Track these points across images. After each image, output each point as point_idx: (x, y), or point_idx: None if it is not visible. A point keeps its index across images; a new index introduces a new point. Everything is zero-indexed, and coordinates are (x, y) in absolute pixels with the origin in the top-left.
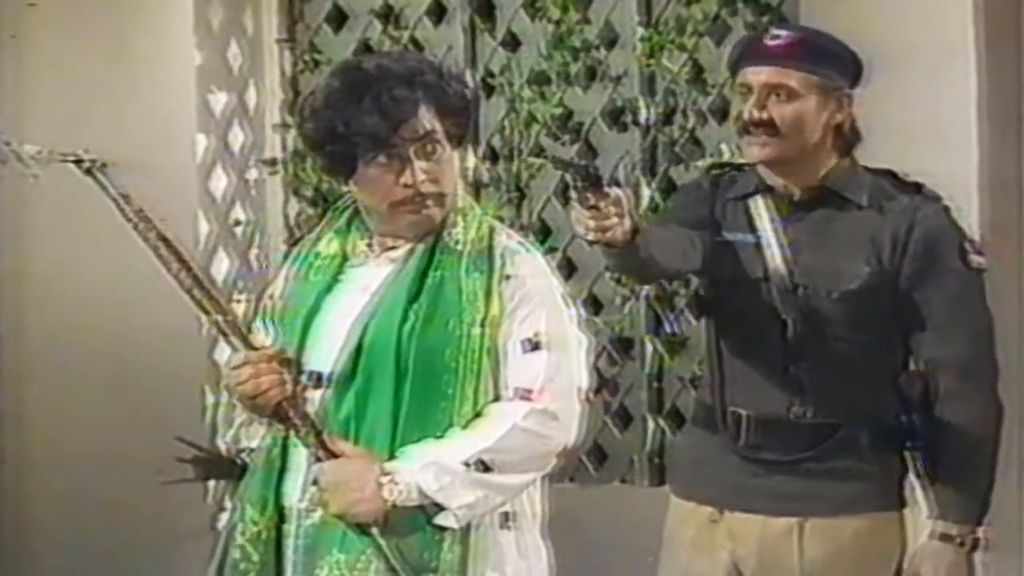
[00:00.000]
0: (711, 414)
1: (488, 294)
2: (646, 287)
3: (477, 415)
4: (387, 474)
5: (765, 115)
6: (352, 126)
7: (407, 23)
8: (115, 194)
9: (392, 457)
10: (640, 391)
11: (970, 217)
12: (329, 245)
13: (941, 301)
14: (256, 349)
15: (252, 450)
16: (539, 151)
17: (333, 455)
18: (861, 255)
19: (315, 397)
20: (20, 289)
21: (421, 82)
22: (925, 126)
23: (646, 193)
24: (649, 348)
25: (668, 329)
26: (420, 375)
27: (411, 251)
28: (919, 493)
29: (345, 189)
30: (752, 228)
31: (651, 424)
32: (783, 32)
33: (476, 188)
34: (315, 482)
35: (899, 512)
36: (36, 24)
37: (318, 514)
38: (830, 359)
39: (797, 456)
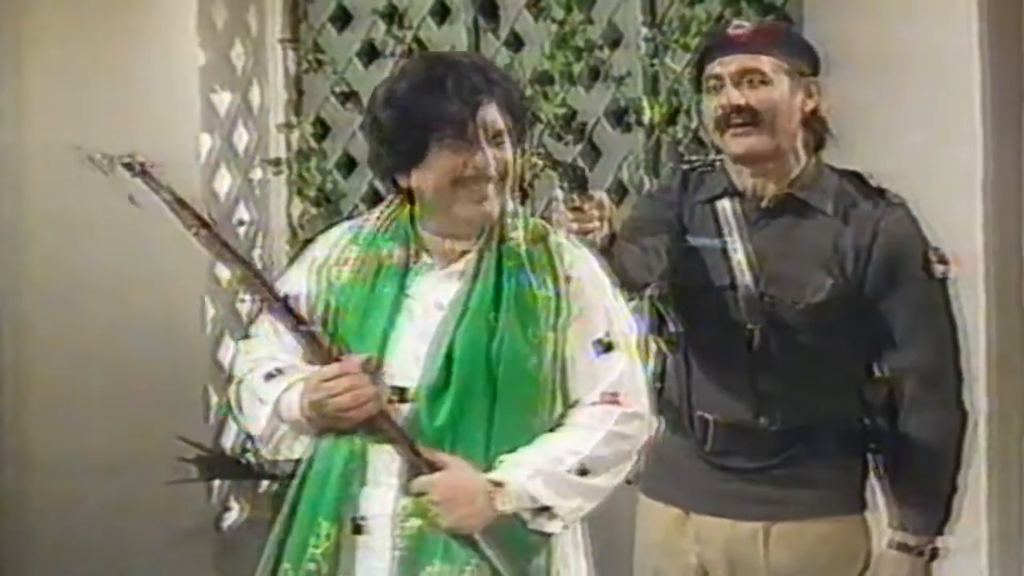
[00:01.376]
0: (679, 417)
1: (557, 296)
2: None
3: (562, 421)
4: (498, 484)
5: (743, 100)
6: (433, 111)
7: (411, 23)
8: (169, 198)
9: (489, 467)
10: None
11: (974, 215)
12: (392, 253)
13: (905, 310)
14: (336, 360)
15: (296, 461)
16: (543, 151)
17: (433, 467)
18: (824, 266)
19: (400, 412)
20: (21, 289)
21: (490, 78)
22: (929, 125)
23: None
24: (652, 347)
25: (671, 329)
26: (509, 385)
27: (480, 259)
28: (880, 497)
29: (391, 199)
30: (719, 233)
31: (654, 423)
32: (745, 23)
33: None
34: (419, 494)
35: (862, 516)
36: (39, 24)
37: (411, 524)
38: (796, 367)
39: (763, 463)
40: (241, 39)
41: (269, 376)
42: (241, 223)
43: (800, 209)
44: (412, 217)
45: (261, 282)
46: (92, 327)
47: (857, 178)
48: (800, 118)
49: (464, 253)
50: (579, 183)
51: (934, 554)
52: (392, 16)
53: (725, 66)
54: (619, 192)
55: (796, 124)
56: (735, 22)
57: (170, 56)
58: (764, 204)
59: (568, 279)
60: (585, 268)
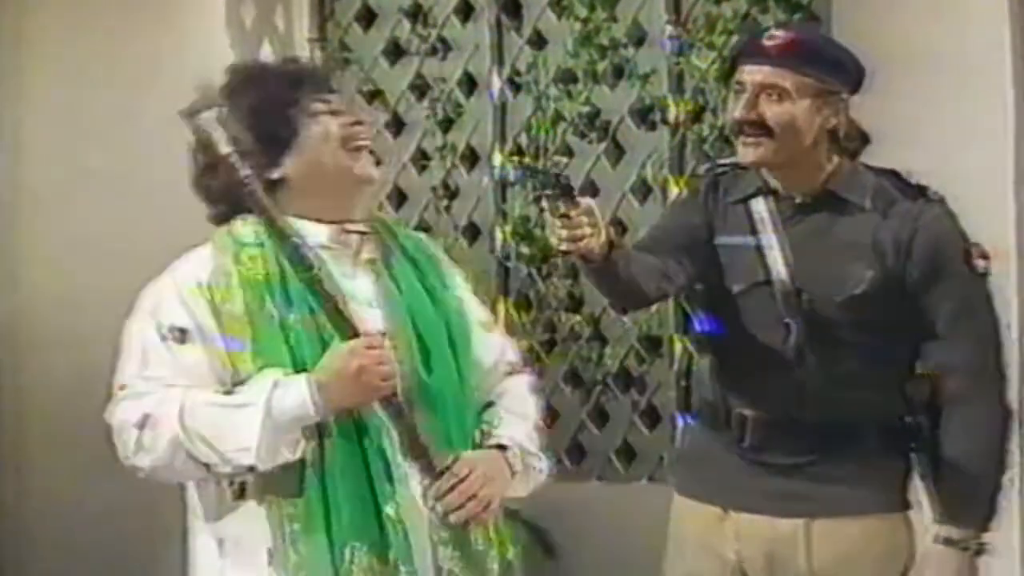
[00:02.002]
0: (715, 413)
1: (444, 283)
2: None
3: (502, 394)
4: (502, 448)
5: (753, 115)
6: (290, 84)
7: (435, 21)
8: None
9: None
10: (668, 389)
11: (1006, 215)
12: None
13: (946, 306)
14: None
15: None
16: (566, 149)
17: (423, 450)
18: (864, 259)
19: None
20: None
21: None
22: (959, 124)
23: (674, 192)
24: (678, 347)
25: (697, 327)
26: (453, 365)
27: (379, 253)
28: (923, 495)
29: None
30: (753, 231)
31: (680, 422)
32: (781, 32)
33: (502, 187)
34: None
35: (904, 514)
36: (67, 24)
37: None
38: (834, 362)
39: (802, 459)
40: (269, 38)
41: (227, 393)
42: None
43: (837, 205)
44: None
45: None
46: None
47: (895, 176)
48: (819, 134)
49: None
50: (562, 190)
51: (980, 549)
52: (416, 15)
53: (750, 75)
54: (643, 191)
55: (812, 138)
56: (771, 30)
57: (199, 56)
58: (799, 200)
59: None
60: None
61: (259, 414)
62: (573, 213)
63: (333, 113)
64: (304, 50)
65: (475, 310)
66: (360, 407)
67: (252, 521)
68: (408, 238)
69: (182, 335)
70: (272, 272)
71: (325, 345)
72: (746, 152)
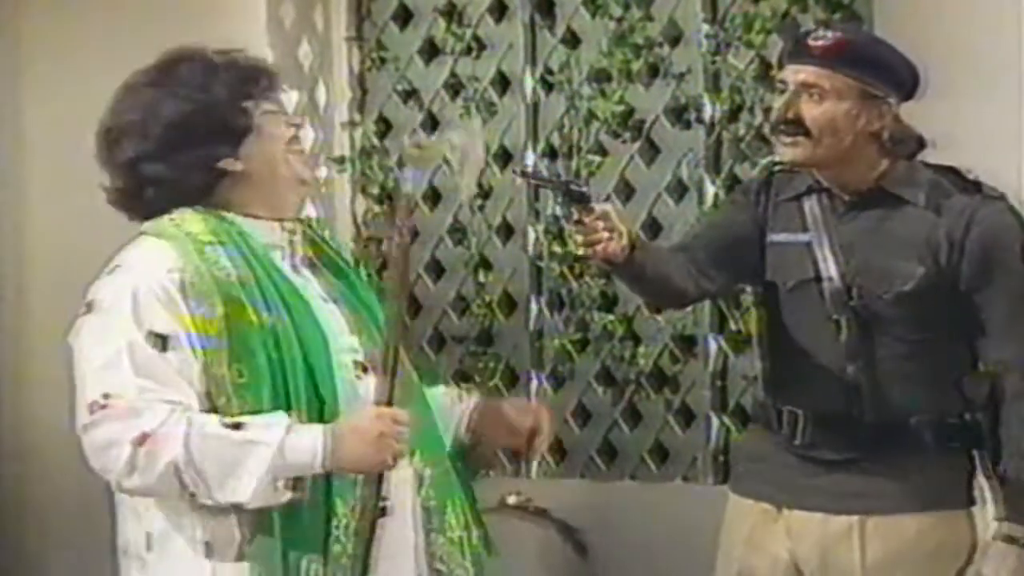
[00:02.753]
0: (765, 412)
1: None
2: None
3: None
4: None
5: (791, 113)
6: (233, 84)
7: (469, 21)
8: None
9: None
10: (702, 389)
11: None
12: (253, 257)
13: (1002, 302)
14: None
15: None
16: (600, 149)
17: None
18: (916, 255)
19: (368, 383)
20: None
21: None
22: (1005, 127)
23: (710, 191)
24: (713, 346)
25: (733, 327)
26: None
27: (315, 254)
28: (987, 493)
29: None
30: (804, 228)
31: (715, 422)
32: (829, 33)
33: (536, 186)
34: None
35: (966, 511)
36: (108, 25)
37: (429, 495)
38: (886, 359)
39: (854, 455)
40: (308, 38)
41: (236, 426)
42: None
43: (890, 201)
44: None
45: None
46: None
47: (953, 173)
48: (861, 137)
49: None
50: (576, 198)
51: None
52: (451, 14)
53: (793, 74)
54: (678, 191)
55: (852, 140)
56: (820, 30)
57: None
58: (850, 198)
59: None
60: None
61: (268, 456)
62: (588, 220)
63: (281, 113)
64: (342, 49)
65: None
66: (361, 472)
67: (181, 516)
68: (326, 238)
69: (165, 341)
70: (244, 274)
71: (302, 344)
72: (784, 151)
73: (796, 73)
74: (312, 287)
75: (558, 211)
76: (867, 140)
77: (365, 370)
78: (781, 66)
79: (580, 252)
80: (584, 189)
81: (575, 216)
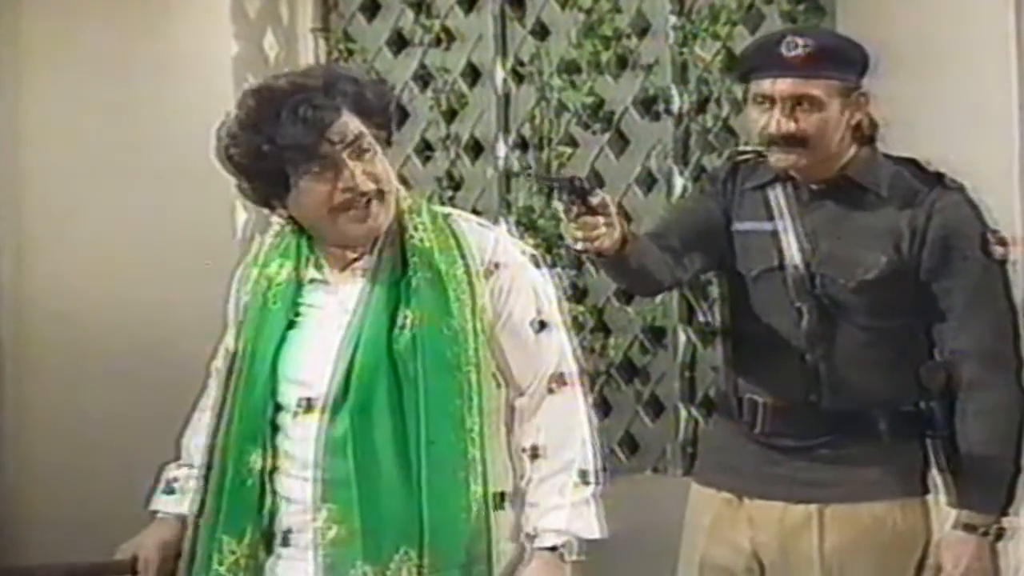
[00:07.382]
0: (726, 401)
1: (470, 283)
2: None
3: (536, 412)
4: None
5: (794, 127)
6: (278, 141)
7: (438, 12)
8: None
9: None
10: (672, 380)
11: (1012, 207)
12: (280, 271)
13: (961, 291)
14: None
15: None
16: (570, 140)
17: None
18: (879, 245)
19: (310, 423)
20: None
21: (339, 90)
22: (964, 115)
23: (679, 182)
24: (682, 337)
25: (701, 318)
26: (424, 380)
27: (379, 259)
28: (940, 481)
29: (280, 220)
30: (769, 216)
31: (683, 413)
32: (798, 40)
33: (507, 178)
34: None
35: (922, 499)
36: (68, 14)
37: (334, 532)
38: (847, 347)
39: (813, 442)
40: (273, 29)
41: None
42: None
43: (854, 191)
44: (303, 232)
45: None
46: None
47: (913, 164)
48: (845, 131)
49: (361, 256)
50: (579, 193)
51: (1000, 534)
52: (420, 5)
53: (778, 88)
54: (647, 182)
55: (841, 135)
56: (787, 38)
57: (204, 46)
58: (815, 187)
59: (497, 265)
60: (504, 250)
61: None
62: (589, 217)
63: (324, 176)
64: (308, 40)
65: (512, 320)
66: None
67: None
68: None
69: None
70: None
71: (292, 325)
72: (780, 160)
73: (780, 86)
74: (327, 299)
75: (533, 201)
76: (849, 132)
77: (310, 407)
78: (746, 79)
79: (577, 247)
80: (587, 184)
81: (575, 211)
